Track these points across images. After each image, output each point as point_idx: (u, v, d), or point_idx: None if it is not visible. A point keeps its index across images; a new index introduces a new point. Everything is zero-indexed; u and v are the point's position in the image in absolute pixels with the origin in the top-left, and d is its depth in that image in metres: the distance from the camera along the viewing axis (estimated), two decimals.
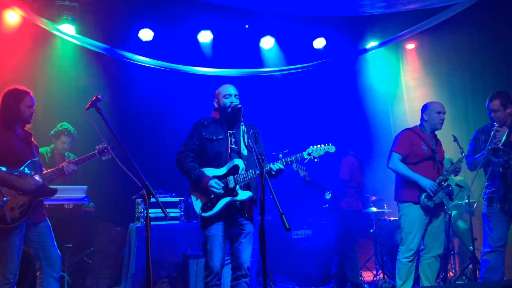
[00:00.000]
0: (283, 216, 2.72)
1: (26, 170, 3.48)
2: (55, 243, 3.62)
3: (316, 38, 7.10)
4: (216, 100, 3.65)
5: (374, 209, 6.10)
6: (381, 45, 6.87)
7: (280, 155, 3.43)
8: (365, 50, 7.07)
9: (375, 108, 7.26)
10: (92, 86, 5.94)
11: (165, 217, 2.74)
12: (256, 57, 7.04)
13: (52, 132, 5.19)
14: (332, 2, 5.79)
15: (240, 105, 3.46)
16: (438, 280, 4.87)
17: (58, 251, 3.63)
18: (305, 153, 3.46)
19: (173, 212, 5.23)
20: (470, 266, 5.11)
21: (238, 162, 3.43)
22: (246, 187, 3.49)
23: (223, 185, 3.39)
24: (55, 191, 3.64)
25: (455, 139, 4.30)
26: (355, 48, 7.21)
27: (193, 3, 6.30)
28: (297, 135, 6.47)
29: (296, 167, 5.19)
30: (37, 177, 3.50)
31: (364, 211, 6.03)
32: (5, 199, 3.30)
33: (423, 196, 4.14)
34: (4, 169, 3.36)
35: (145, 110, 6.45)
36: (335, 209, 5.44)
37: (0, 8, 5.53)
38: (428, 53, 7.02)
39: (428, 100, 6.66)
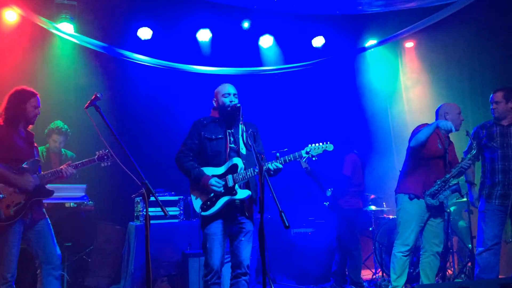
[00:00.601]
0: (283, 214, 2.73)
1: (25, 169, 3.48)
2: (55, 242, 3.62)
3: (315, 37, 7.10)
4: (215, 99, 3.65)
5: (373, 207, 6.12)
6: (380, 43, 6.88)
7: (277, 154, 3.43)
8: (364, 49, 7.07)
9: (374, 107, 7.27)
10: (91, 85, 5.93)
11: (165, 216, 2.75)
12: (255, 56, 7.04)
13: (45, 131, 5.19)
14: (331, 1, 5.80)
15: (239, 104, 3.47)
16: (437, 278, 4.88)
17: (59, 249, 3.63)
18: (303, 152, 3.46)
19: (173, 210, 5.23)
20: (469, 264, 5.12)
21: (237, 161, 3.43)
22: (245, 186, 3.49)
23: (223, 183, 3.40)
24: (52, 192, 3.66)
25: (468, 134, 4.31)
26: (354, 46, 7.21)
27: (192, 1, 6.30)
28: (296, 133, 6.47)
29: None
30: (35, 177, 3.51)
31: (364, 209, 6.05)
32: (1, 195, 3.30)
33: (427, 195, 4.14)
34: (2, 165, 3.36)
35: (144, 109, 6.44)
36: (335, 207, 5.45)
37: None
38: (427, 51, 7.03)
39: (427, 98, 6.76)
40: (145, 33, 6.40)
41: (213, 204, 3.41)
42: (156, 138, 6.41)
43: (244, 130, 3.48)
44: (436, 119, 4.40)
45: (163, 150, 5.78)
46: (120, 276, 5.30)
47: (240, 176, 3.40)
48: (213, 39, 6.71)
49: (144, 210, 4.81)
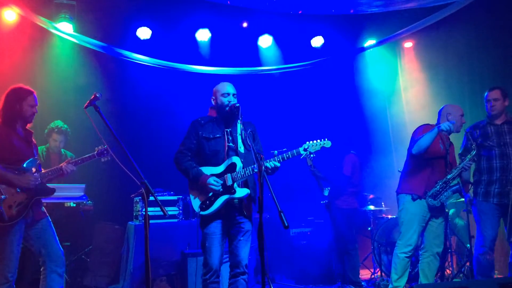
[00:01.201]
0: (282, 214, 2.73)
1: (26, 169, 3.49)
2: (57, 239, 3.63)
3: (314, 37, 7.11)
4: (213, 98, 3.64)
5: (371, 207, 6.12)
6: (379, 43, 6.89)
7: (275, 151, 3.43)
8: (363, 49, 7.08)
9: (373, 106, 7.27)
10: (90, 85, 5.93)
11: (164, 216, 2.75)
12: (254, 56, 7.04)
13: (45, 131, 5.19)
14: (330, 1, 5.81)
15: (238, 104, 3.46)
16: (435, 278, 4.89)
17: (61, 247, 3.64)
18: (301, 149, 3.47)
19: (172, 210, 5.23)
20: (468, 263, 5.13)
21: (236, 160, 3.44)
22: (244, 184, 3.50)
23: (222, 182, 3.40)
24: (53, 190, 3.65)
25: (468, 134, 4.33)
26: (353, 46, 7.22)
27: (191, 1, 6.31)
28: (295, 133, 6.47)
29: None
30: (36, 176, 3.51)
31: (362, 209, 6.06)
32: (2, 196, 3.30)
33: (428, 196, 4.15)
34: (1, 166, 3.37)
35: (143, 109, 6.45)
36: (332, 206, 5.47)
37: None
38: (425, 51, 7.04)
39: (426, 99, 6.76)
40: (144, 32, 6.40)
41: (212, 203, 3.41)
42: (155, 138, 6.41)
43: (243, 129, 3.48)
44: (438, 119, 4.40)
45: (162, 150, 5.79)
46: (119, 276, 5.31)
47: (239, 175, 3.40)
48: (212, 39, 6.72)
49: (143, 209, 4.81)
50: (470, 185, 4.50)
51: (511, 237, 4.04)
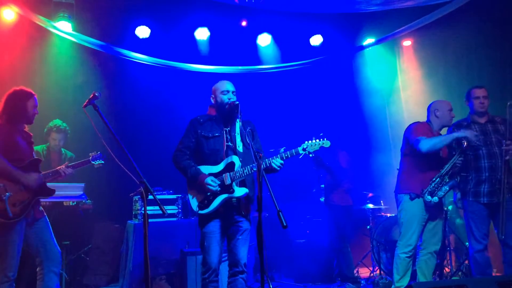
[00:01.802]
0: (280, 213, 2.73)
1: (29, 168, 3.52)
2: (54, 238, 3.65)
3: (313, 35, 7.11)
4: (213, 96, 3.64)
5: (370, 205, 6.13)
6: (377, 42, 6.89)
7: (282, 149, 3.44)
8: (362, 47, 7.08)
9: (372, 105, 7.28)
10: (89, 84, 5.94)
11: (163, 214, 2.76)
12: (253, 54, 7.05)
13: (44, 130, 5.20)
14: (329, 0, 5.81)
15: (237, 102, 3.47)
16: (434, 276, 4.90)
17: (58, 246, 3.66)
18: (300, 149, 3.46)
19: (171, 209, 5.24)
20: (466, 262, 5.14)
21: (234, 159, 3.44)
22: (242, 184, 3.50)
23: (219, 182, 3.41)
24: (53, 191, 3.70)
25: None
26: (352, 45, 7.23)
27: (190, 0, 6.29)
28: (294, 132, 6.47)
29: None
30: (39, 176, 3.55)
31: (357, 207, 6.08)
32: (7, 193, 3.34)
33: (426, 193, 4.16)
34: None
35: (142, 107, 6.45)
36: (330, 202, 5.49)
37: None
38: (424, 50, 7.05)
39: (425, 97, 6.76)
40: (143, 31, 6.40)
41: (210, 202, 3.41)
42: (154, 137, 6.42)
43: (242, 128, 3.48)
44: (428, 115, 4.46)
45: (161, 149, 5.80)
46: (119, 275, 5.32)
47: (237, 174, 3.40)
48: (211, 38, 6.72)
49: (143, 208, 4.81)
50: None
51: (503, 234, 4.05)
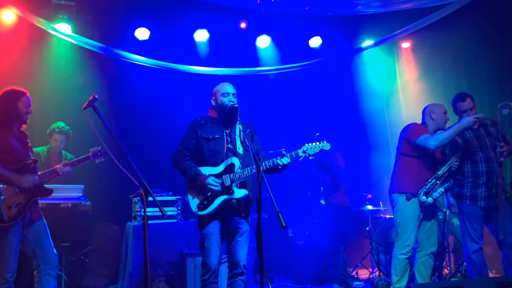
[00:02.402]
0: (280, 214, 2.74)
1: (24, 169, 3.50)
2: (51, 241, 3.64)
3: (312, 37, 7.12)
4: (213, 98, 3.66)
5: (369, 207, 6.14)
6: (376, 44, 6.90)
7: (283, 150, 3.45)
8: (361, 49, 7.09)
9: (371, 107, 7.29)
10: (89, 85, 5.93)
11: (162, 216, 2.76)
12: (252, 56, 7.06)
13: (47, 132, 5.21)
14: (328, 1, 5.82)
15: (237, 105, 3.49)
16: (433, 277, 4.91)
17: (54, 249, 3.66)
18: (300, 151, 3.47)
19: (170, 210, 5.24)
20: (465, 263, 5.14)
21: (234, 160, 3.45)
22: (241, 185, 3.50)
23: (220, 182, 3.42)
24: (51, 191, 3.68)
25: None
26: (351, 47, 7.24)
27: (189, 2, 6.31)
28: (293, 133, 6.48)
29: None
30: (35, 177, 3.52)
31: (360, 209, 6.09)
32: (2, 197, 3.33)
33: (421, 194, 4.17)
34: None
35: (142, 109, 6.45)
36: (331, 204, 5.50)
37: None
38: (423, 51, 7.06)
39: (423, 98, 6.76)
40: (142, 33, 6.41)
41: (209, 203, 3.42)
42: (153, 139, 6.42)
43: (242, 130, 3.49)
44: (423, 118, 4.49)
45: (160, 151, 5.79)
46: (118, 276, 5.31)
47: (237, 176, 3.41)
48: (210, 40, 6.72)
49: (142, 210, 4.82)
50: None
51: (503, 235, 4.06)
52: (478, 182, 4.23)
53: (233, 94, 3.58)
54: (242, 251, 3.46)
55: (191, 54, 6.68)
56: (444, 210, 5.10)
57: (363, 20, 6.76)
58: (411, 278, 4.49)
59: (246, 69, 6.78)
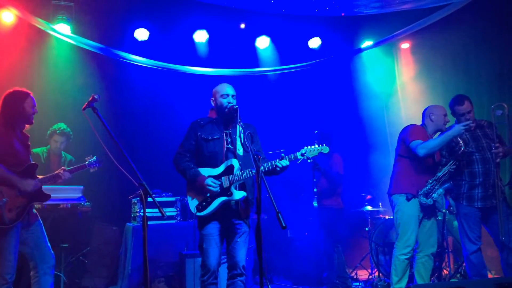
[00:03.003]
0: (279, 214, 2.74)
1: (26, 173, 3.52)
2: (48, 242, 3.65)
3: (311, 38, 7.13)
4: (213, 99, 3.65)
5: (369, 208, 6.14)
6: (376, 44, 6.91)
7: (282, 152, 3.45)
8: (360, 50, 7.10)
9: (370, 107, 7.29)
10: (88, 86, 5.93)
11: (162, 217, 2.76)
12: (251, 57, 7.06)
13: (48, 132, 5.21)
14: (327, 2, 5.83)
15: (236, 106, 3.48)
16: (432, 278, 4.91)
17: (51, 249, 3.67)
18: (298, 154, 3.47)
19: (170, 211, 5.24)
20: (465, 264, 5.15)
21: (234, 162, 3.45)
22: (241, 187, 3.50)
23: (219, 183, 3.41)
24: (49, 196, 3.72)
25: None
26: (350, 47, 7.25)
27: (189, 2, 6.31)
28: (293, 134, 6.50)
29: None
30: (36, 181, 3.56)
31: (359, 209, 6.08)
32: (4, 199, 3.34)
33: (421, 195, 4.18)
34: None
35: (141, 110, 6.45)
36: (324, 206, 5.48)
37: None
38: (422, 52, 7.06)
39: (423, 99, 6.77)
40: (142, 34, 6.41)
41: (208, 204, 3.42)
42: (153, 139, 6.41)
43: (242, 131, 3.49)
44: (423, 120, 4.50)
45: (160, 151, 5.80)
46: (117, 277, 5.31)
47: (235, 177, 3.41)
48: (209, 40, 6.73)
49: (141, 211, 4.82)
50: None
51: (503, 236, 4.07)
52: (475, 182, 4.25)
53: (232, 96, 3.58)
54: (241, 252, 3.46)
55: (191, 54, 6.68)
56: (443, 211, 5.10)
57: (362, 20, 6.77)
58: (411, 278, 4.49)
59: (246, 69, 6.79)
